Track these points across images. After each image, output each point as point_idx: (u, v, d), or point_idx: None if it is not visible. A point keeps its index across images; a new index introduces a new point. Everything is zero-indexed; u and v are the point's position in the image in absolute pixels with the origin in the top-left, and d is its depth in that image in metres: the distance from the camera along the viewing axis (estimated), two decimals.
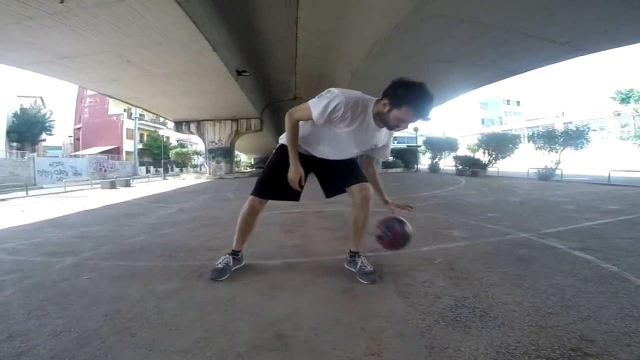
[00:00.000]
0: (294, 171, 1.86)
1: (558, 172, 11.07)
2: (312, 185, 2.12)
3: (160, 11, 6.43)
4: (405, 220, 1.97)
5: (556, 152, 11.37)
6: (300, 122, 1.88)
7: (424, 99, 1.56)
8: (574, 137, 11.08)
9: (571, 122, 23.22)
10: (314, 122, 1.80)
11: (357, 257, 2.07)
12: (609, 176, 9.44)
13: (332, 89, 1.74)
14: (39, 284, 2.00)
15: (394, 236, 1.93)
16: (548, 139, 11.67)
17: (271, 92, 17.27)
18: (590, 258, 2.27)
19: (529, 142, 12.53)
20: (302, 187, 1.95)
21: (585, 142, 11.01)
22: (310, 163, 2.03)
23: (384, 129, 1.82)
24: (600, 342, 1.24)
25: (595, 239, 2.81)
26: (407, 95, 1.56)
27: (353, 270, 2.03)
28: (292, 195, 2.05)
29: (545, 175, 11.07)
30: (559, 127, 13.24)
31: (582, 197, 5.99)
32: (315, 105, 1.73)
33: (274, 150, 2.17)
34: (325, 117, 1.71)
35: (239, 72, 11.51)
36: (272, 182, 2.04)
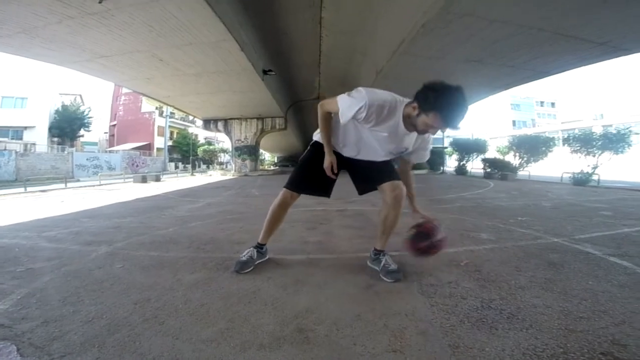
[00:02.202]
0: (328, 159, 1.90)
1: (595, 177, 10.48)
2: (339, 184, 2.13)
3: (192, 12, 6.63)
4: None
5: (593, 155, 10.76)
6: (333, 121, 1.91)
7: (455, 108, 1.46)
8: (614, 141, 10.41)
9: (611, 125, 21.93)
10: (341, 122, 1.81)
11: (381, 255, 2.05)
12: None
13: (360, 89, 1.70)
14: (76, 271, 2.10)
15: (436, 246, 1.90)
16: (585, 142, 11.03)
17: (295, 91, 17.41)
18: (627, 264, 2.15)
19: (564, 145, 11.90)
20: (335, 174, 1.97)
21: (626, 146, 10.33)
22: (342, 160, 2.04)
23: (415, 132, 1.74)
24: (632, 347, 1.19)
25: (633, 246, 2.65)
26: (437, 102, 1.47)
27: (377, 268, 2.02)
28: (324, 190, 2.10)
29: (581, 180, 10.51)
30: (598, 130, 12.50)
31: (621, 203, 5.65)
32: (342, 103, 1.73)
33: (308, 147, 2.19)
34: (349, 116, 1.71)
35: (265, 72, 11.68)
36: (306, 176, 2.08)
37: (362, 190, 2.13)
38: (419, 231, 1.95)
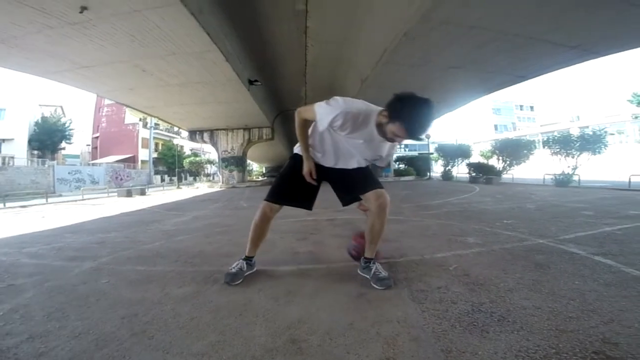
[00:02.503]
0: (307, 164, 1.96)
1: (575, 177, 10.81)
2: (325, 193, 2.15)
3: (175, 22, 6.62)
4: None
5: (573, 157, 11.12)
6: (310, 130, 1.95)
7: (418, 119, 1.52)
8: (591, 142, 10.81)
9: (587, 127, 22.72)
10: (318, 130, 1.86)
11: (371, 263, 2.05)
12: (629, 181, 9.17)
13: (337, 98, 1.76)
14: (59, 287, 2.05)
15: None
16: (564, 144, 11.41)
17: (282, 101, 17.45)
18: (611, 263, 2.22)
19: (544, 147, 12.27)
20: (316, 180, 2.01)
21: (602, 146, 10.73)
22: (324, 172, 2.07)
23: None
24: (623, 345, 1.21)
25: (615, 244, 2.73)
26: (402, 112, 1.53)
27: (367, 276, 2.02)
28: (305, 202, 2.12)
29: (562, 182, 10.83)
30: (575, 132, 12.93)
31: (601, 202, 5.84)
32: (319, 110, 1.78)
33: (288, 160, 2.22)
34: (325, 124, 1.76)
35: (250, 82, 11.70)
36: (285, 188, 2.11)
37: (346, 202, 2.15)
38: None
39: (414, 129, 1.53)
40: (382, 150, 1.92)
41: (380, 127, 1.70)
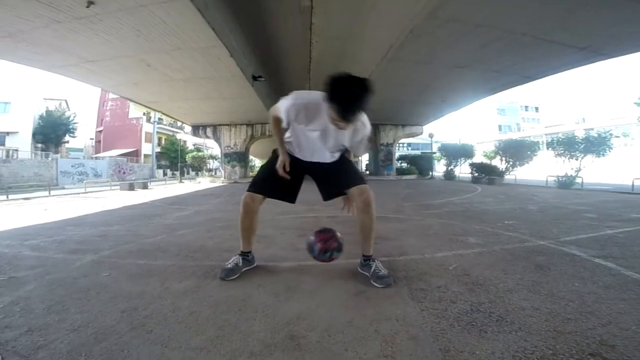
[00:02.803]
0: (281, 158, 2.00)
1: (578, 180, 10.74)
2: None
3: (181, 17, 6.61)
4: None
5: (576, 159, 11.04)
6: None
7: (348, 99, 1.46)
8: (596, 144, 10.72)
9: (592, 129, 22.56)
10: (293, 126, 1.91)
11: (371, 260, 2.06)
12: (633, 184, 9.11)
13: (294, 92, 1.82)
14: (60, 280, 2.06)
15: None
16: (568, 145, 11.33)
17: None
18: (611, 265, 2.21)
19: (548, 149, 12.18)
20: (296, 175, 2.06)
21: (607, 149, 10.63)
22: (306, 167, 2.10)
23: (349, 128, 1.73)
24: (620, 347, 1.21)
25: (617, 247, 2.72)
26: (331, 93, 1.48)
27: (367, 274, 2.02)
28: (286, 195, 2.15)
29: (565, 183, 10.76)
30: (580, 134, 12.85)
31: (604, 205, 5.81)
32: (279, 105, 1.86)
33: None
34: (285, 118, 1.83)
35: (254, 78, 11.68)
36: (265, 179, 2.13)
37: (327, 196, 2.18)
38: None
39: (344, 110, 1.48)
40: (343, 140, 1.90)
41: (329, 115, 1.66)
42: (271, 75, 13.28)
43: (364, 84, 1.47)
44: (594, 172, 11.54)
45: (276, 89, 15.87)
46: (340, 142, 1.94)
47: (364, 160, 27.14)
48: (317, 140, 1.91)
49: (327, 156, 2.05)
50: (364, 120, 1.84)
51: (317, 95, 1.72)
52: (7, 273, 2.20)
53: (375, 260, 2.06)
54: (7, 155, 20.95)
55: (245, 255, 2.19)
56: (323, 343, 1.30)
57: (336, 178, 2.07)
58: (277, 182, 2.04)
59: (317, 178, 2.18)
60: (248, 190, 2.11)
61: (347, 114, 1.50)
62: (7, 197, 8.41)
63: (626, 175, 13.48)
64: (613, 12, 6.47)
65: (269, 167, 2.11)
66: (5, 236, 3.54)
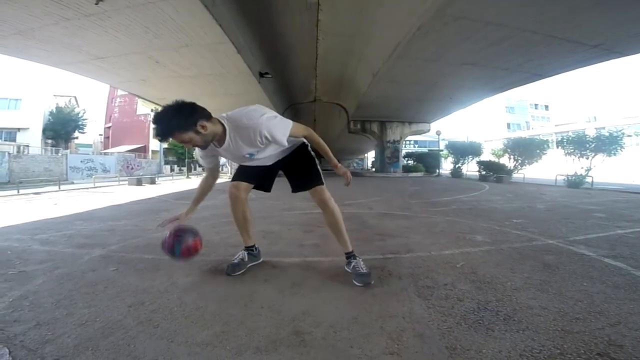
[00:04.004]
0: None
1: (588, 179, 10.57)
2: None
3: (189, 14, 6.64)
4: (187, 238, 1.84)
5: (587, 158, 10.86)
6: None
7: (155, 119, 1.57)
8: (607, 143, 10.53)
9: (604, 128, 22.17)
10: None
11: (352, 258, 2.05)
12: None
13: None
14: (69, 274, 2.08)
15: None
16: (578, 144, 11.14)
17: (292, 94, 17.42)
18: (621, 265, 2.17)
19: (557, 147, 11.98)
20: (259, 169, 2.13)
21: (619, 148, 10.44)
22: (273, 167, 2.15)
23: (248, 138, 1.85)
24: (628, 348, 1.20)
25: (627, 247, 2.68)
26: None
27: (350, 271, 2.00)
28: (262, 184, 2.19)
29: (575, 183, 10.60)
30: (591, 133, 12.63)
31: (614, 205, 5.71)
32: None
33: None
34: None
35: (261, 74, 11.69)
36: (242, 170, 2.17)
37: (294, 189, 2.19)
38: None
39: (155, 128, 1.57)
40: (248, 148, 1.89)
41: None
42: (277, 71, 13.27)
43: (169, 108, 1.57)
44: (605, 171, 11.34)
45: (283, 86, 15.86)
46: (248, 151, 1.89)
47: (370, 157, 27.04)
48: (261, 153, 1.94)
49: (276, 157, 2.08)
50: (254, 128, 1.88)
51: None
52: (17, 267, 2.24)
53: (357, 258, 2.04)
54: (19, 151, 21.27)
55: (251, 250, 2.20)
56: (328, 339, 1.30)
57: (298, 178, 2.13)
58: (253, 172, 2.11)
59: (286, 173, 2.22)
60: (231, 181, 2.17)
61: (155, 132, 1.59)
62: (18, 192, 8.55)
63: (638, 175, 13.24)
64: (627, 9, 6.33)
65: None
66: (15, 230, 3.59)
